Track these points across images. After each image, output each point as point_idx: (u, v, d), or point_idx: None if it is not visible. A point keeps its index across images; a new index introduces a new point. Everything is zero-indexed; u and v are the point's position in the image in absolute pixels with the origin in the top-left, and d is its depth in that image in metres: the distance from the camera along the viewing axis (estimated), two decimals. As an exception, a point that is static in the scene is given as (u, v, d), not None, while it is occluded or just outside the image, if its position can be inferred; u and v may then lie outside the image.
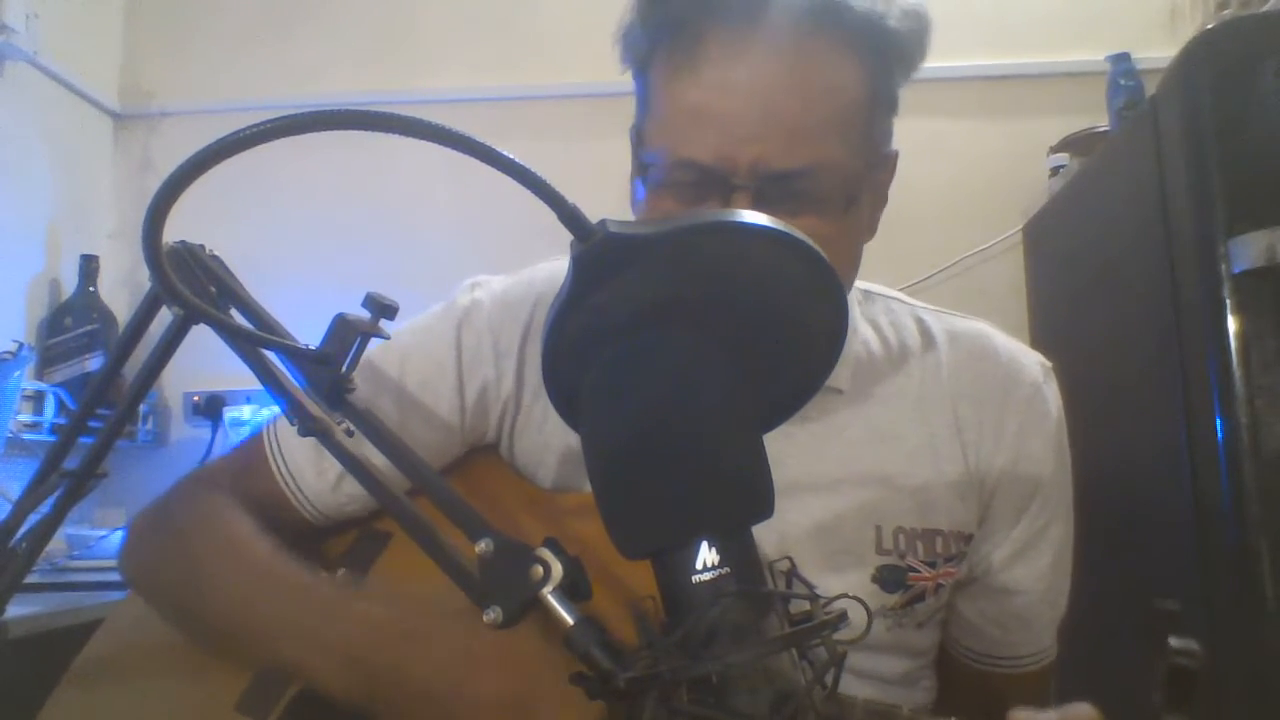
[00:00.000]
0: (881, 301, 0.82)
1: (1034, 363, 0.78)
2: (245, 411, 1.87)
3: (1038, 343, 1.74)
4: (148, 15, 2.19)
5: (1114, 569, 1.33)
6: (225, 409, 1.88)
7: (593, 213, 0.38)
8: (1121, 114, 1.59)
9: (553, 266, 0.79)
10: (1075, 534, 0.79)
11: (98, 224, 2.08)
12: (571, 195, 0.37)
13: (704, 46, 0.65)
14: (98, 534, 1.64)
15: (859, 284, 0.79)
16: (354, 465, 0.55)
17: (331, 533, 0.76)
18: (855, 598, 0.45)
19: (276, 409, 0.61)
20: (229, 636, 0.66)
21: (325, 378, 0.55)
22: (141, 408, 1.89)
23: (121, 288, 2.04)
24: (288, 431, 0.74)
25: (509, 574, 0.47)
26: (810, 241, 0.40)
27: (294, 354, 0.54)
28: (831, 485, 0.72)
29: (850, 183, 0.66)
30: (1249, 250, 1.08)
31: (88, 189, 2.07)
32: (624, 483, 0.41)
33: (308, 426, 0.55)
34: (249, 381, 0.62)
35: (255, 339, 0.55)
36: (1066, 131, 1.78)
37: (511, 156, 0.36)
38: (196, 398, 1.89)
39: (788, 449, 0.72)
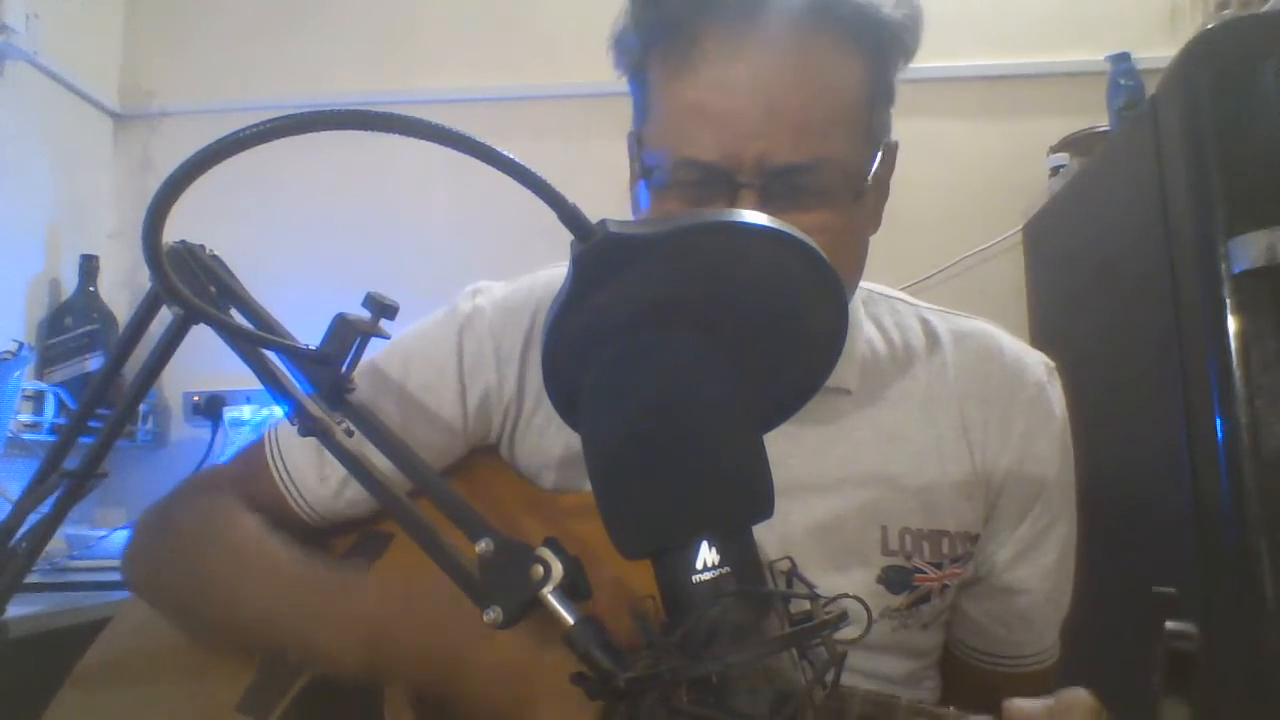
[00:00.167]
0: (885, 302, 0.82)
1: (1038, 363, 0.79)
2: (245, 411, 1.87)
3: (1038, 343, 1.73)
4: (148, 15, 2.19)
5: (1114, 569, 1.33)
6: (225, 409, 1.88)
7: (593, 213, 0.38)
8: (1121, 114, 1.59)
9: (552, 273, 0.79)
10: (1077, 534, 0.80)
11: (98, 224, 2.08)
12: (571, 195, 0.37)
13: (701, 46, 0.64)
14: (98, 534, 1.64)
15: (863, 284, 0.79)
16: (354, 465, 0.55)
17: (333, 534, 0.76)
18: (855, 597, 0.45)
19: (277, 410, 0.61)
20: (233, 628, 0.66)
21: (325, 378, 0.55)
22: (141, 408, 1.89)
23: (121, 288, 2.04)
24: (289, 435, 0.74)
25: (509, 574, 0.47)
26: (811, 241, 0.40)
27: (294, 354, 0.54)
28: (836, 486, 0.72)
29: (855, 175, 0.67)
30: (1249, 250, 1.08)
31: (88, 189, 2.07)
32: (624, 483, 0.41)
33: (308, 427, 0.55)
34: (249, 381, 0.62)
35: (255, 339, 0.55)
36: (1066, 131, 1.78)
37: (511, 156, 0.36)
38: (196, 398, 1.89)
39: (793, 450, 0.72)
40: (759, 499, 0.41)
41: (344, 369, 0.55)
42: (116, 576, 0.81)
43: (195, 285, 0.58)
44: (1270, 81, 1.11)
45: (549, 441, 0.75)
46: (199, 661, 0.69)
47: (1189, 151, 1.17)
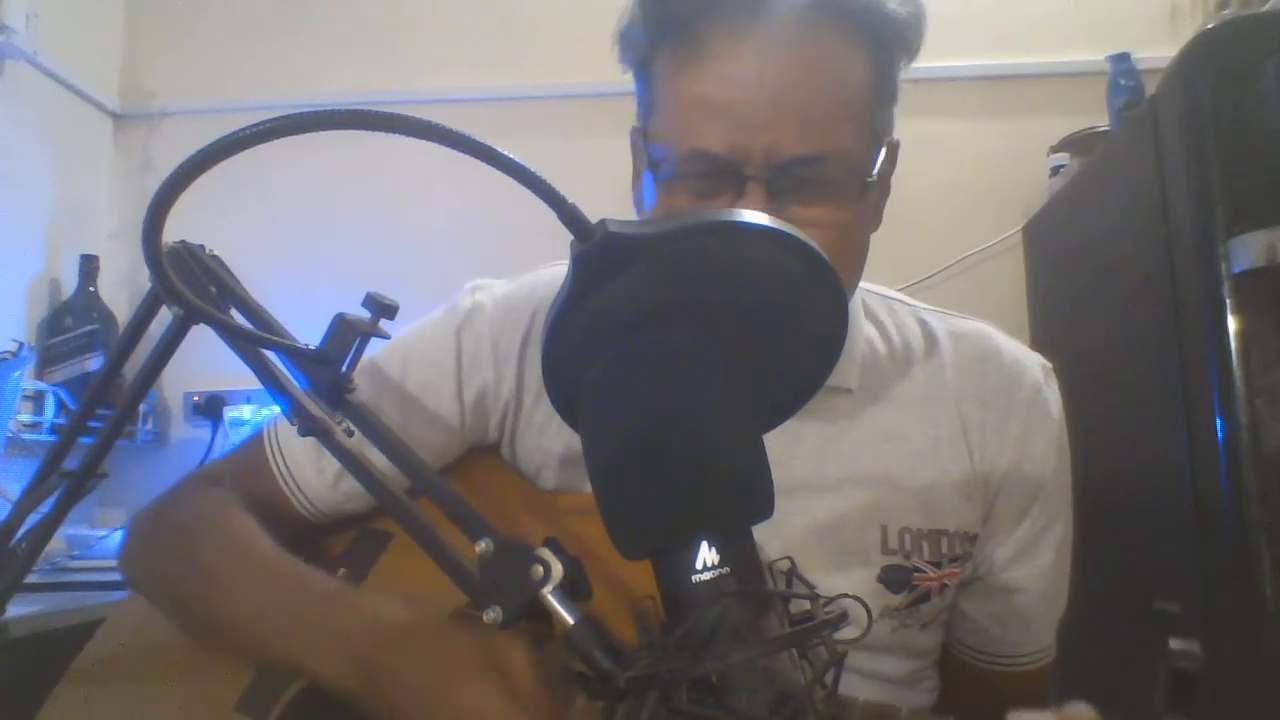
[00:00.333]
0: (883, 302, 0.82)
1: (1035, 364, 0.79)
2: (245, 411, 1.87)
3: (1038, 343, 1.74)
4: (148, 15, 2.19)
5: (1114, 569, 1.33)
6: (225, 409, 1.88)
7: (592, 213, 0.38)
8: (1121, 114, 1.59)
9: (553, 271, 0.79)
10: (1075, 534, 0.80)
11: (98, 224, 2.08)
12: (571, 195, 0.37)
13: (709, 40, 0.65)
14: (98, 534, 1.64)
15: (861, 284, 0.79)
16: (354, 465, 0.55)
17: (331, 532, 0.76)
18: (855, 597, 0.45)
19: (277, 409, 0.61)
20: (229, 632, 0.66)
21: (325, 377, 0.55)
22: (141, 408, 1.89)
23: (121, 288, 2.04)
24: (288, 431, 0.74)
25: (509, 574, 0.47)
26: (812, 242, 0.40)
27: (294, 354, 0.54)
28: (836, 486, 0.72)
29: (861, 170, 0.67)
30: (1249, 250, 1.08)
31: (88, 189, 2.07)
32: (624, 483, 0.41)
33: (308, 426, 0.55)
34: (249, 381, 0.63)
35: (255, 339, 0.55)
36: (1066, 131, 1.78)
37: (511, 156, 0.36)
38: (196, 398, 1.89)
39: (794, 450, 0.72)
40: (759, 499, 0.41)
41: (344, 369, 0.55)
42: (116, 576, 0.81)
43: (195, 285, 0.58)
44: (1270, 81, 1.11)
45: (549, 440, 0.75)
46: (197, 660, 0.69)
47: (1189, 151, 1.17)
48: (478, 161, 0.36)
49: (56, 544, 1.55)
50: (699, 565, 0.39)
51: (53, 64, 1.90)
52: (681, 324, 0.40)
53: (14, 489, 1.43)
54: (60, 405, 1.80)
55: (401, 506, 0.52)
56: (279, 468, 0.73)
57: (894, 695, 0.72)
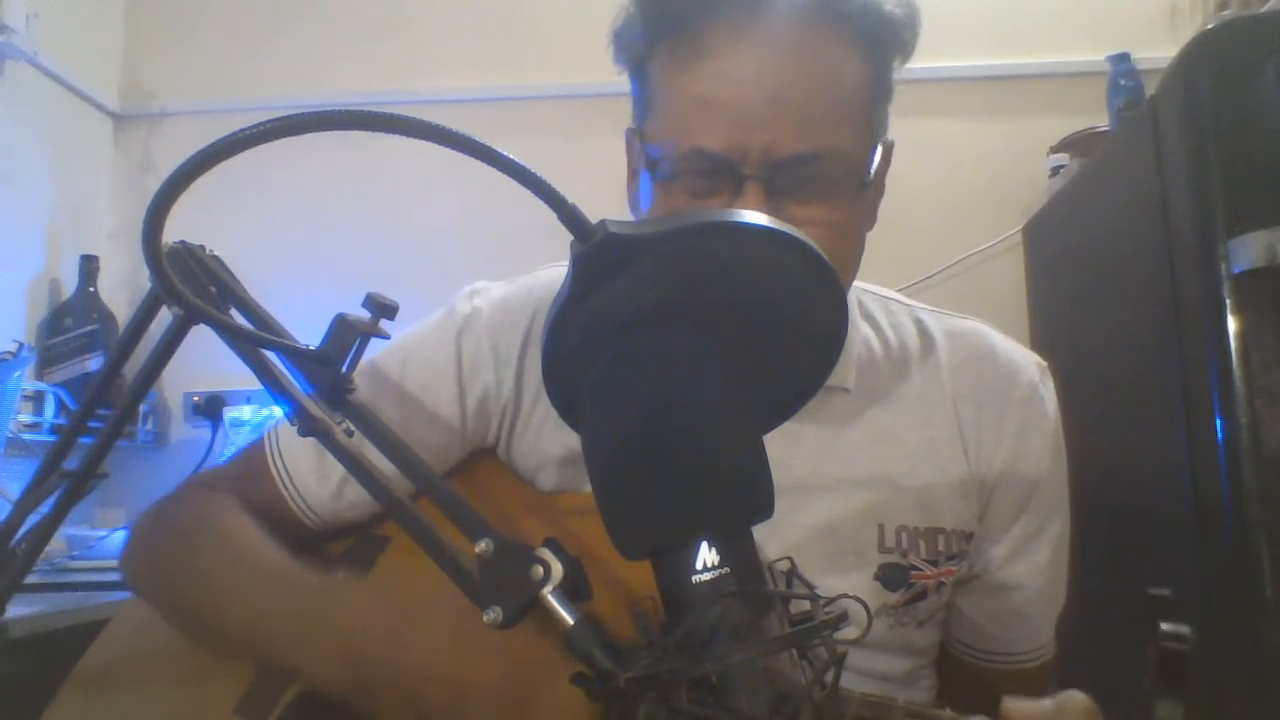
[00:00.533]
0: (879, 301, 0.83)
1: (1031, 363, 0.79)
2: (245, 411, 1.87)
3: (1038, 342, 1.74)
4: (148, 15, 2.19)
5: (1114, 569, 1.33)
6: (225, 409, 1.88)
7: (592, 213, 0.38)
8: (1121, 114, 1.59)
9: (551, 273, 0.79)
10: (1075, 533, 0.80)
11: (98, 224, 2.08)
12: (571, 195, 0.37)
13: (707, 39, 0.65)
14: (98, 534, 1.64)
15: (857, 284, 0.79)
16: (354, 465, 0.55)
17: (330, 538, 0.76)
18: (855, 598, 0.45)
19: (277, 410, 0.61)
20: (227, 633, 0.66)
21: (325, 378, 0.55)
22: (141, 408, 1.89)
23: (121, 288, 2.04)
24: (289, 436, 0.74)
25: (509, 574, 0.47)
26: (811, 242, 0.40)
27: (294, 354, 0.54)
28: (834, 486, 0.73)
29: (858, 168, 0.68)
30: (1249, 250, 1.08)
31: (88, 189, 2.07)
32: (624, 483, 0.41)
33: (308, 427, 0.55)
34: (249, 381, 0.62)
35: (255, 339, 0.55)
36: (1066, 131, 1.78)
37: (511, 156, 0.36)
38: (196, 398, 1.89)
39: (793, 450, 0.73)
40: (759, 499, 0.41)
41: (344, 369, 0.55)
42: (116, 577, 0.81)
43: (195, 285, 0.58)
44: (1270, 81, 1.11)
45: (546, 442, 0.75)
46: (198, 664, 0.69)
47: (1189, 151, 1.17)
48: (478, 162, 0.36)
49: (56, 544, 1.55)
50: (699, 565, 0.39)
51: (53, 64, 1.90)
52: (681, 324, 0.40)
53: (14, 489, 1.43)
54: (60, 405, 1.80)
55: (401, 506, 0.52)
56: (280, 474, 0.73)
57: (892, 693, 0.71)
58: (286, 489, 0.73)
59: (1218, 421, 1.09)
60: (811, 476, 0.72)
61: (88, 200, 2.07)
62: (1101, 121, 1.70)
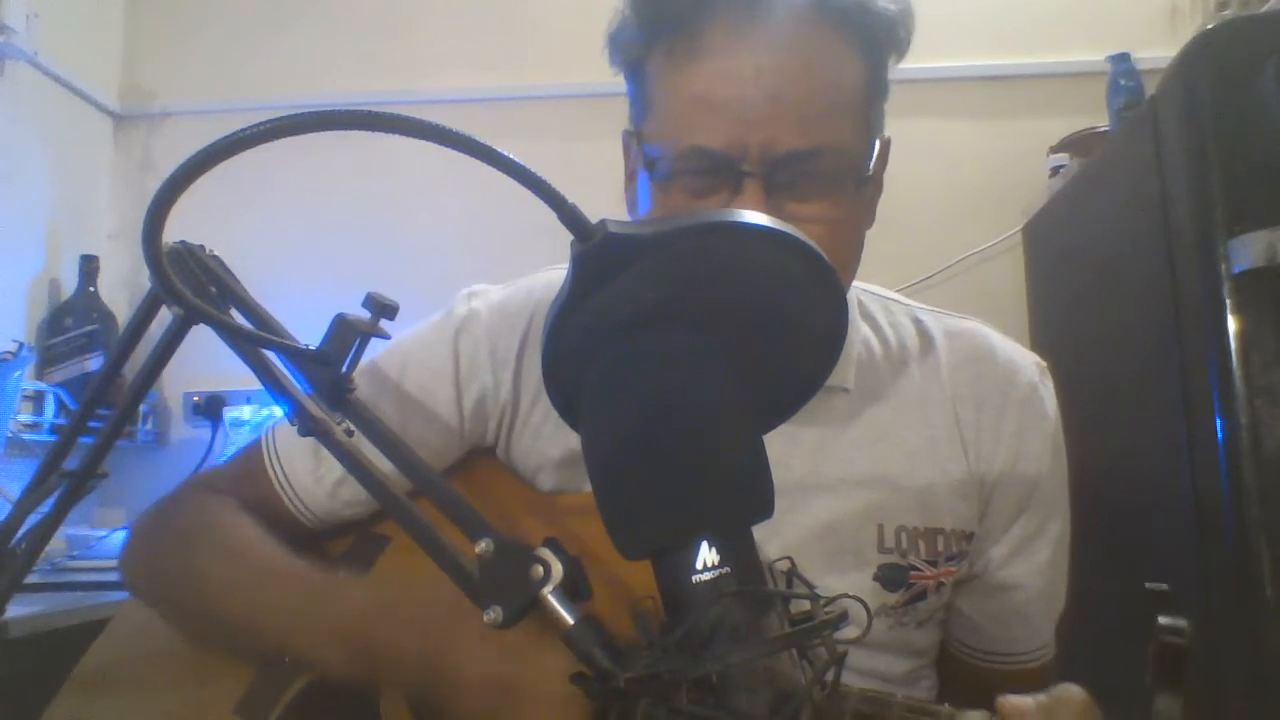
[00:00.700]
0: (878, 301, 0.83)
1: (1030, 363, 0.79)
2: (245, 411, 1.87)
3: (1038, 343, 1.74)
4: (148, 15, 2.19)
5: (1114, 568, 1.33)
6: (225, 409, 1.88)
7: (592, 213, 0.38)
8: (1121, 114, 1.59)
9: (549, 275, 0.79)
10: (1075, 533, 0.80)
11: (98, 224, 2.08)
12: (571, 195, 0.37)
13: (705, 38, 0.65)
14: (98, 534, 1.64)
15: (856, 284, 0.79)
16: (353, 465, 0.55)
17: (330, 537, 0.76)
18: (855, 598, 0.45)
19: (276, 410, 0.61)
20: (228, 628, 0.66)
21: (325, 378, 0.55)
22: (141, 408, 1.89)
23: (121, 288, 2.04)
24: (286, 436, 0.74)
25: (509, 574, 0.47)
26: (811, 241, 0.40)
27: (294, 354, 0.54)
28: (834, 486, 0.73)
29: (857, 165, 0.68)
30: (1249, 250, 1.08)
31: (88, 189, 2.07)
32: (624, 483, 0.41)
33: (307, 426, 0.55)
34: (249, 381, 0.62)
35: (255, 339, 0.55)
36: (1066, 131, 1.78)
37: (511, 156, 0.36)
38: (196, 398, 1.89)
39: (793, 451, 0.73)
40: (759, 499, 0.41)
41: (344, 369, 0.55)
42: (116, 577, 0.81)
43: (195, 285, 0.58)
44: (1270, 81, 1.11)
45: (545, 443, 0.75)
46: (197, 664, 0.69)
47: (1189, 151, 1.17)
48: (478, 162, 0.36)
49: (56, 544, 1.55)
50: (699, 565, 0.39)
51: (53, 64, 1.90)
52: (681, 324, 0.40)
53: (14, 489, 1.43)
54: (60, 405, 1.80)
55: (400, 506, 0.52)
56: (276, 474, 0.73)
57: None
58: (282, 488, 0.73)
59: (1218, 421, 1.09)
60: (811, 476, 0.72)
61: (88, 200, 2.07)
62: (1101, 121, 1.70)
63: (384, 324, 0.55)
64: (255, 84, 2.12)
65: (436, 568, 0.50)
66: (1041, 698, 0.52)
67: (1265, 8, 1.41)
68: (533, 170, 0.36)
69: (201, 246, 0.60)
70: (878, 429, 0.75)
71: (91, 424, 0.64)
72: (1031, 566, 0.77)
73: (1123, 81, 1.61)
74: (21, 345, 1.63)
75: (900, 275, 1.82)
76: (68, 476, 0.58)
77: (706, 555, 0.39)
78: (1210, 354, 1.12)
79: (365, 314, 0.55)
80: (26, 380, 1.68)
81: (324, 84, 2.10)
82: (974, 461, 0.75)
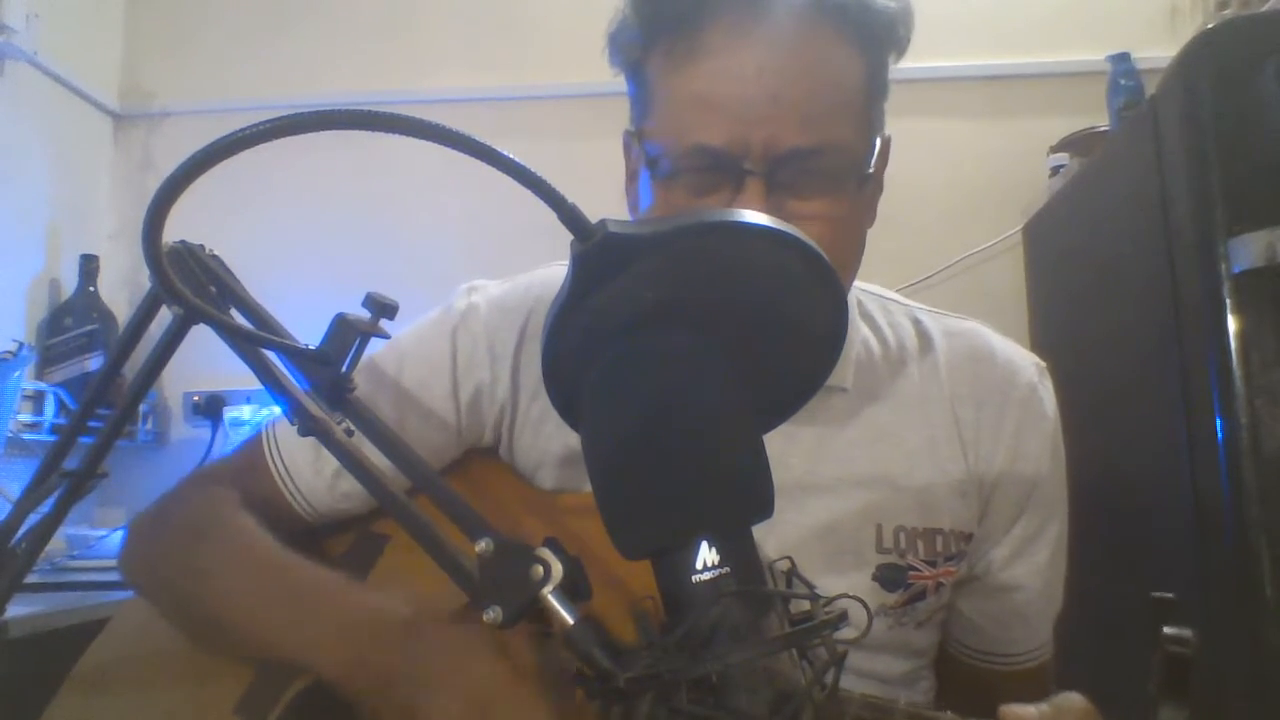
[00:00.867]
0: (877, 301, 0.83)
1: (1029, 363, 0.79)
2: (245, 411, 1.87)
3: (1038, 343, 1.74)
4: (148, 15, 2.19)
5: (1114, 569, 1.33)
6: (225, 409, 1.88)
7: (592, 213, 0.38)
8: (1121, 114, 1.59)
9: (549, 272, 0.79)
10: (1075, 534, 0.80)
11: (98, 224, 2.08)
12: (571, 195, 0.37)
13: (705, 37, 0.65)
14: (98, 534, 1.64)
15: (855, 284, 0.79)
16: (353, 464, 0.55)
17: (330, 535, 0.76)
18: (855, 598, 0.45)
19: (277, 409, 0.61)
20: (228, 629, 0.66)
21: (325, 377, 0.55)
22: (141, 408, 1.89)
23: (121, 288, 2.04)
24: (287, 431, 0.74)
25: (509, 574, 0.47)
26: (811, 241, 0.40)
27: (294, 354, 0.54)
28: (833, 485, 0.73)
29: (859, 163, 0.68)
30: (1249, 250, 1.08)
31: (88, 189, 2.07)
32: (624, 483, 0.41)
33: (307, 426, 0.55)
34: (249, 381, 0.62)
35: (255, 339, 0.55)
36: (1066, 131, 1.78)
37: (511, 156, 0.36)
38: (196, 398, 1.89)
39: (791, 450, 0.73)
40: (759, 499, 0.41)
41: (344, 369, 0.55)
42: (116, 576, 0.81)
43: (195, 285, 0.58)
44: (1270, 81, 1.11)
45: (545, 440, 0.75)
46: (197, 664, 0.69)
47: (1189, 151, 1.17)
48: (478, 162, 0.36)
49: (56, 544, 1.55)
50: (699, 565, 0.39)
51: (53, 64, 1.90)
52: (681, 324, 0.40)
53: (14, 489, 1.43)
54: (60, 405, 1.80)
55: (400, 505, 0.52)
56: (277, 468, 0.73)
57: (890, 694, 0.71)
58: (283, 482, 0.73)
59: (1218, 421, 1.09)
60: (809, 476, 0.72)
61: (88, 200, 2.06)
62: (1101, 121, 1.70)
63: (384, 324, 0.55)
64: (255, 84, 2.12)
65: (436, 569, 0.50)
66: (1044, 707, 0.52)
67: (1265, 8, 1.41)
68: (533, 170, 0.36)
69: (201, 246, 0.60)
70: (876, 429, 0.75)
71: (91, 424, 0.64)
72: (1031, 567, 0.77)
73: (1123, 81, 1.61)
74: (21, 345, 1.63)
75: (900, 275, 1.82)
76: (68, 476, 0.58)
77: (706, 555, 0.39)
78: (1210, 354, 1.12)
79: (365, 314, 0.55)
80: (26, 380, 1.68)
81: (324, 84, 2.10)
82: (973, 462, 0.75)
